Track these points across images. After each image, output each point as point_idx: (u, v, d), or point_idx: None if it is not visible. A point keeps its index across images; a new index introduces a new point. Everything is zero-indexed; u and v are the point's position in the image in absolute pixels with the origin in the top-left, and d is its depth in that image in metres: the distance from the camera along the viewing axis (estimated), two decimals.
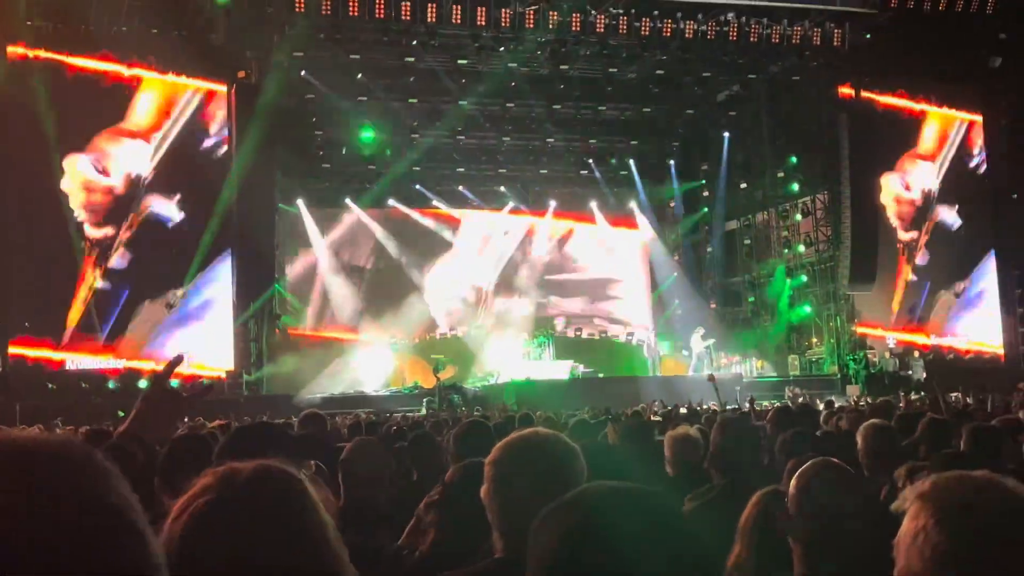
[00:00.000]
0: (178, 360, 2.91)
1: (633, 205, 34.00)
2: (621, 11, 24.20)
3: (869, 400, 17.20)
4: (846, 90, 27.04)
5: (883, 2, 25.74)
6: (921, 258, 28.97)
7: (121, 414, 18.02)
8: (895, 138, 28.51)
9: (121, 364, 22.66)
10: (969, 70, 28.50)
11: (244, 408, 19.74)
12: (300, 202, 29.92)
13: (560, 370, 26.93)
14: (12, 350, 22.14)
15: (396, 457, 5.71)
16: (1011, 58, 28.23)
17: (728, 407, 14.74)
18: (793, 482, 3.17)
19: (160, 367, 2.85)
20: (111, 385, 22.27)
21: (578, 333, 30.81)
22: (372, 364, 27.64)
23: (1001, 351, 28.76)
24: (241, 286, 23.13)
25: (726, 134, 31.56)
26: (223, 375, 23.36)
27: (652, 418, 13.26)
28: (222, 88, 23.83)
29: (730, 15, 24.86)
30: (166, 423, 2.92)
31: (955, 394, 17.56)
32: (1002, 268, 29.26)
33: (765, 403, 16.29)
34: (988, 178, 29.66)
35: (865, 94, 27.30)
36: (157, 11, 22.39)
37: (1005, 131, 29.33)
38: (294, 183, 28.95)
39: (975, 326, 28.99)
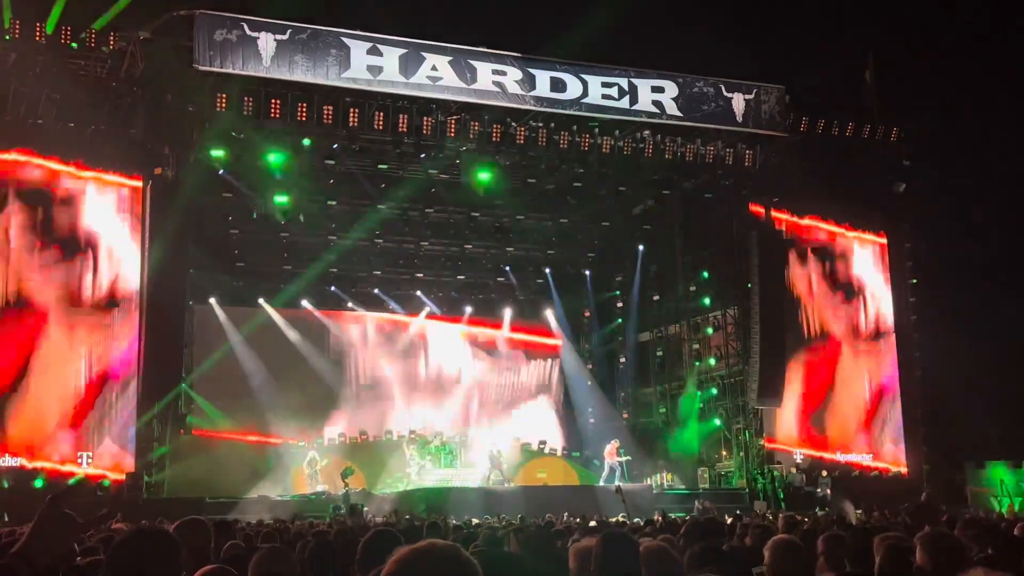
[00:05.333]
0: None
1: (548, 314, 34.21)
2: (541, 124, 24.69)
3: (772, 515, 17.27)
4: (757, 208, 27.74)
5: (793, 126, 26.71)
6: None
7: (6, 518, 17.33)
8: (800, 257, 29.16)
9: (17, 462, 21.72)
10: (875, 193, 29.53)
11: (143, 512, 19.02)
12: (212, 300, 29.53)
13: (472, 477, 26.63)
14: None
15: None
16: (913, 184, 29.37)
17: (635, 520, 14.68)
18: None
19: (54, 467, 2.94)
20: (3, 484, 21.35)
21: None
22: (279, 467, 27.04)
23: (904, 469, 29.15)
24: (146, 384, 22.36)
25: (641, 247, 32.14)
26: (122, 476, 22.53)
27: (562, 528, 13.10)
28: (137, 184, 23.39)
29: (646, 132, 25.54)
30: (60, 545, 2.94)
31: (858, 511, 17.77)
32: (905, 388, 29.79)
33: (673, 516, 16.25)
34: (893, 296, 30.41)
35: (774, 213, 28.01)
36: (75, 105, 22.11)
37: (908, 253, 30.24)
38: (207, 280, 28.57)
39: (879, 443, 29.38)
